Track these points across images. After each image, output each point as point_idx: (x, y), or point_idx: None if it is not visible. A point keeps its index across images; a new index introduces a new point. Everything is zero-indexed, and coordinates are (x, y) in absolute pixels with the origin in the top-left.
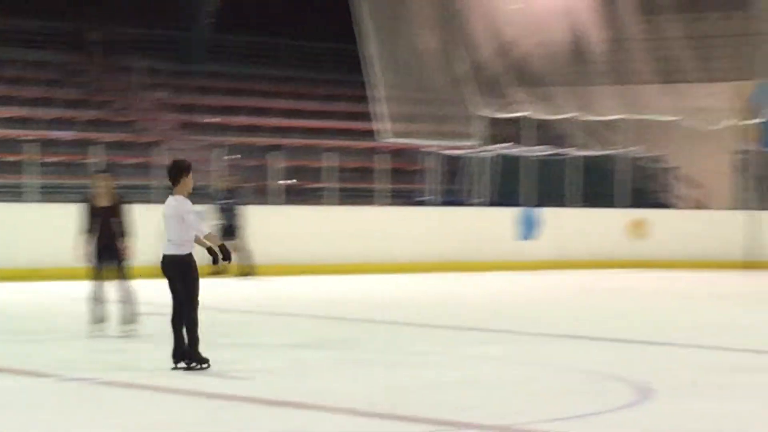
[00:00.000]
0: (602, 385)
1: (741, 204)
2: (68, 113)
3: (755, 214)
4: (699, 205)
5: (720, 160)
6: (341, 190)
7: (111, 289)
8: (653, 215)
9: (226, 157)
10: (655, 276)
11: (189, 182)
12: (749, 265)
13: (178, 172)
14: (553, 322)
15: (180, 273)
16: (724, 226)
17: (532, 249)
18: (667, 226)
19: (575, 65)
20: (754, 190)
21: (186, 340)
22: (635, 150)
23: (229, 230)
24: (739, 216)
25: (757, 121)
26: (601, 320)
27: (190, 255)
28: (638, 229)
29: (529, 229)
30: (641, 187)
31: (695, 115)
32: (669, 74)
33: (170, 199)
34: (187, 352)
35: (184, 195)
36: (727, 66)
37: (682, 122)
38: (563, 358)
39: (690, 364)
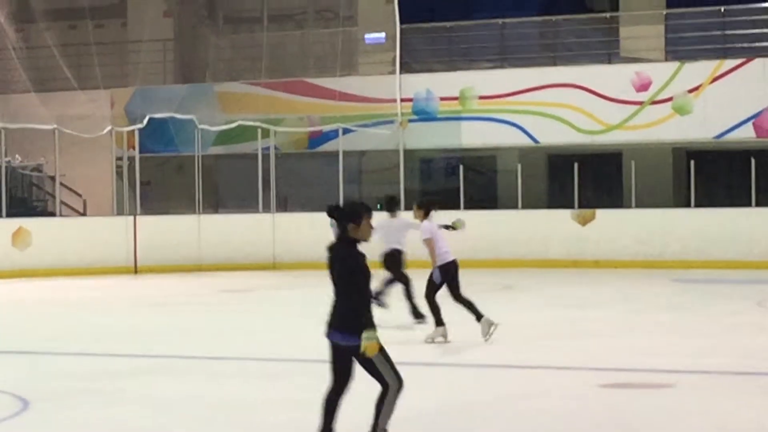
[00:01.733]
0: None
1: (124, 209)
2: None
3: (138, 219)
4: (83, 212)
5: (102, 167)
6: None
7: None
8: (35, 224)
9: None
10: (40, 285)
11: None
12: (138, 269)
13: None
14: None
15: None
16: (109, 232)
17: None
18: (51, 235)
19: None
20: (135, 195)
21: None
22: (15, 159)
23: None
24: (123, 221)
25: (135, 127)
26: None
27: None
28: (21, 238)
29: None
30: (23, 196)
31: (75, 123)
32: (47, 83)
33: None
34: None
35: None
36: (104, 73)
37: (61, 130)
38: None
39: (64, 372)
